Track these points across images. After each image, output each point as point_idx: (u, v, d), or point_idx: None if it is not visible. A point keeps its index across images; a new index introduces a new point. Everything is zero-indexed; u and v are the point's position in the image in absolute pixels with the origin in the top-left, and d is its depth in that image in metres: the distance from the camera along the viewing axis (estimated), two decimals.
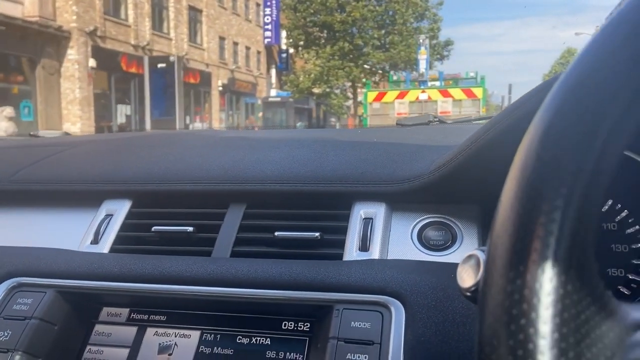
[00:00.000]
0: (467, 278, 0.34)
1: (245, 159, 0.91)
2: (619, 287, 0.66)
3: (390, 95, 13.86)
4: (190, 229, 0.79)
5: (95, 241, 0.82)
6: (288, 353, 0.64)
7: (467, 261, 0.35)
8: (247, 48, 25.21)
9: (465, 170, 0.70)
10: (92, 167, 0.97)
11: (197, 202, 0.84)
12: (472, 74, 14.88)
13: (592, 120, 0.28)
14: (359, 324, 0.61)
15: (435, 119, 1.53)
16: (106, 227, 0.83)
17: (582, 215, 0.27)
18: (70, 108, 14.20)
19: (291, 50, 26.48)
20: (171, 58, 11.86)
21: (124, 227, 0.84)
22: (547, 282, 0.26)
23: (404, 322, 0.60)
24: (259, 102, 23.81)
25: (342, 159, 0.86)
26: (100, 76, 15.16)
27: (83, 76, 14.24)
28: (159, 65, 11.32)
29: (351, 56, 22.90)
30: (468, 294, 0.34)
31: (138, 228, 0.83)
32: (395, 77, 16.31)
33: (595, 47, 0.30)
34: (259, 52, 26.56)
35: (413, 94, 13.75)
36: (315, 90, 24.16)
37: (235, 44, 23.96)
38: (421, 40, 17.46)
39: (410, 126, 1.44)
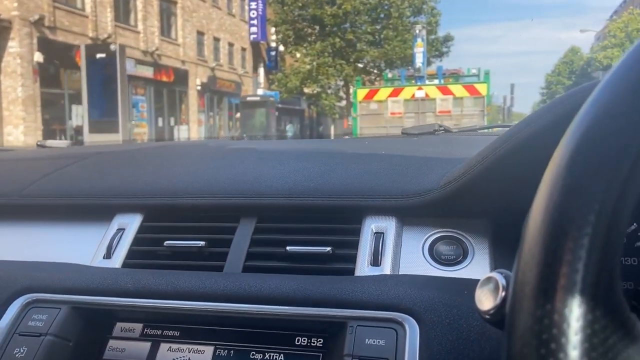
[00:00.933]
0: (486, 301, 0.35)
1: (255, 172, 0.92)
2: (632, 302, 0.64)
3: (383, 93, 12.15)
4: (202, 243, 0.79)
5: (108, 256, 0.82)
6: None
7: (485, 284, 0.35)
8: (230, 44, 23.35)
9: (476, 185, 0.70)
10: (103, 180, 0.98)
11: (208, 216, 0.85)
12: (474, 71, 13.00)
13: (619, 146, 0.29)
14: (374, 341, 0.60)
15: (441, 128, 1.52)
16: (118, 241, 0.83)
17: (610, 240, 0.28)
18: (12, 109, 12.38)
19: (281, 48, 24.68)
20: (112, 46, 9.89)
21: (136, 241, 0.83)
22: (576, 307, 0.27)
23: (418, 340, 0.59)
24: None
25: (351, 172, 0.87)
26: (50, 72, 13.32)
27: (27, 72, 12.38)
28: (98, 56, 9.43)
29: (343, 53, 21.24)
30: (487, 316, 0.34)
31: (150, 242, 0.83)
32: (390, 75, 14.38)
33: (621, 73, 0.31)
34: (243, 49, 24.70)
35: (408, 92, 12.01)
36: (307, 90, 22.45)
37: (217, 39, 22.10)
38: (417, 31, 15.27)
39: (416, 135, 1.45)
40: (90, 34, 14.42)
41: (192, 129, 19.78)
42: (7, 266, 0.80)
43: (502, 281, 0.34)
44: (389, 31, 20.93)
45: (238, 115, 21.51)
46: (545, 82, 50.55)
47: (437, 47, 21.83)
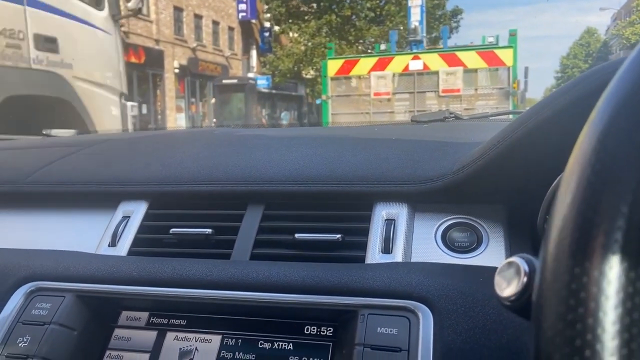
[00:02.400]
0: (507, 287, 0.33)
1: (262, 158, 0.90)
2: None
3: (364, 65, 8.78)
4: (209, 231, 0.78)
5: (113, 244, 0.80)
6: (312, 359, 0.62)
7: (505, 269, 0.34)
8: (215, 23, 21.08)
9: (491, 170, 0.69)
10: (108, 168, 0.96)
11: (215, 203, 0.83)
12: (490, 39, 9.13)
13: None
14: (386, 330, 0.58)
15: (451, 115, 1.48)
16: (123, 229, 0.82)
17: None
18: None
19: (276, 28, 22.40)
20: None
21: (141, 229, 0.82)
22: (617, 265, 0.25)
23: (432, 329, 0.58)
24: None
25: (361, 158, 0.85)
26: None
27: None
28: None
29: (341, 32, 19.07)
30: (508, 303, 0.33)
31: (156, 230, 0.82)
32: (383, 47, 11.19)
33: None
34: (231, 29, 22.41)
35: (400, 62, 8.60)
36: (304, 74, 20.33)
37: (198, 16, 19.85)
38: None
39: (426, 122, 1.41)
40: None
41: (169, 117, 17.61)
42: (11, 254, 0.79)
43: (523, 266, 0.32)
44: (391, 6, 19.16)
45: (213, 101, 19.28)
46: (561, 65, 49.70)
47: (446, 22, 19.50)
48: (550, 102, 0.60)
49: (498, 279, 0.34)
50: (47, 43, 4.29)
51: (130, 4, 5.19)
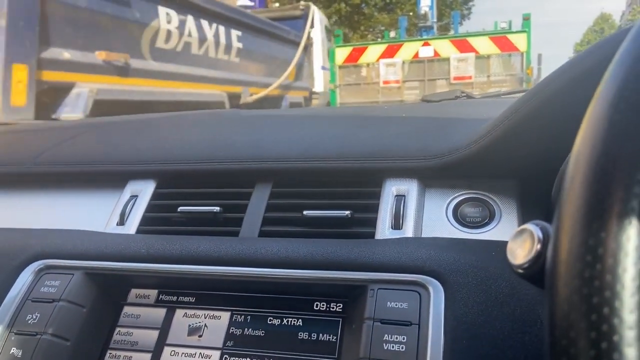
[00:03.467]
0: (520, 254, 0.33)
1: (270, 136, 0.90)
2: None
3: (372, 53, 8.56)
4: (217, 209, 0.78)
5: (122, 222, 0.80)
6: (321, 334, 0.61)
7: (518, 236, 0.34)
8: None
9: (503, 144, 0.67)
10: (116, 148, 0.97)
11: (223, 182, 0.83)
12: (503, 25, 8.95)
13: None
14: (396, 304, 0.58)
15: (463, 94, 1.46)
16: (132, 208, 0.82)
17: None
18: None
19: None
20: None
21: (149, 207, 0.82)
22: (634, 234, 0.24)
23: (443, 302, 0.57)
24: None
25: (370, 135, 0.84)
26: None
27: None
28: None
29: (351, 21, 18.93)
30: (520, 270, 0.33)
31: (164, 209, 0.82)
32: (393, 35, 10.86)
33: None
34: None
35: (409, 49, 8.35)
36: None
37: None
38: None
39: (437, 102, 1.39)
40: None
41: None
42: (20, 233, 0.80)
43: (537, 232, 0.32)
44: None
45: None
46: (575, 52, 48.96)
47: (458, 8, 19.23)
48: (562, 73, 0.59)
49: (511, 246, 0.34)
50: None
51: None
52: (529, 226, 0.33)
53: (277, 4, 20.36)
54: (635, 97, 0.26)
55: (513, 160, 0.69)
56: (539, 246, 0.31)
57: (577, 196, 0.26)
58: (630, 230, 0.24)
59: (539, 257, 0.31)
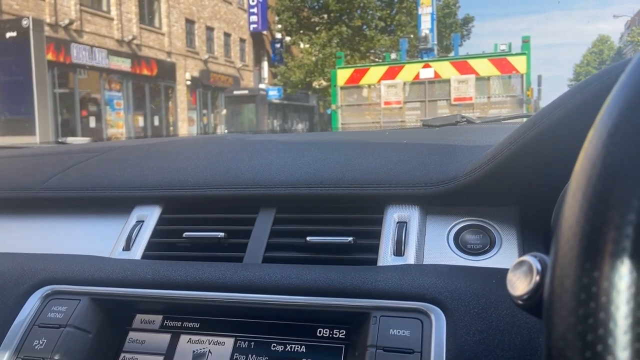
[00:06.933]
0: (519, 285, 0.33)
1: (274, 163, 0.91)
2: None
3: (374, 74, 8.66)
4: (222, 234, 0.78)
5: (127, 248, 0.81)
6: None
7: (518, 267, 0.34)
8: (227, 35, 21.18)
9: (503, 172, 0.68)
10: (122, 173, 0.98)
11: (228, 207, 0.84)
12: (502, 47, 8.99)
13: None
14: (398, 332, 0.58)
15: (463, 119, 1.49)
16: (137, 233, 0.83)
17: None
18: None
19: (287, 39, 22.44)
20: (24, 22, 7.60)
21: (155, 233, 0.83)
22: (626, 274, 0.24)
23: (445, 330, 0.57)
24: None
25: (372, 162, 0.85)
26: None
27: None
28: (8, 35, 7.18)
29: (352, 42, 19.04)
30: (520, 302, 0.33)
31: (169, 234, 0.83)
32: (394, 56, 11.07)
33: None
34: (242, 40, 22.50)
35: (410, 71, 8.49)
36: (315, 85, 20.30)
37: (210, 29, 19.96)
38: None
39: (437, 126, 1.41)
40: (48, 20, 12.38)
41: (181, 128, 17.65)
42: (27, 258, 0.79)
43: (535, 264, 0.33)
44: (402, 16, 19.08)
45: (224, 112, 19.30)
46: (574, 73, 49.55)
47: (458, 30, 19.40)
48: (562, 102, 0.59)
49: (510, 277, 0.34)
50: None
51: None
52: (528, 258, 0.33)
53: (277, 18, 20.68)
54: (626, 141, 0.26)
55: (513, 188, 0.70)
56: (537, 278, 0.32)
57: (571, 235, 0.26)
58: (622, 269, 0.24)
59: (538, 289, 0.31)
